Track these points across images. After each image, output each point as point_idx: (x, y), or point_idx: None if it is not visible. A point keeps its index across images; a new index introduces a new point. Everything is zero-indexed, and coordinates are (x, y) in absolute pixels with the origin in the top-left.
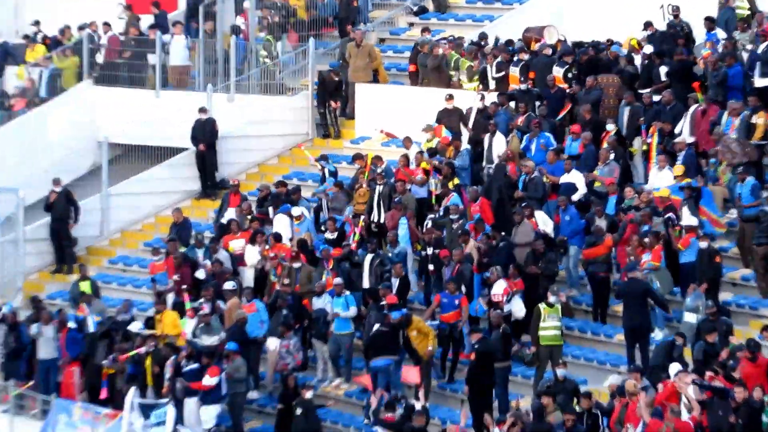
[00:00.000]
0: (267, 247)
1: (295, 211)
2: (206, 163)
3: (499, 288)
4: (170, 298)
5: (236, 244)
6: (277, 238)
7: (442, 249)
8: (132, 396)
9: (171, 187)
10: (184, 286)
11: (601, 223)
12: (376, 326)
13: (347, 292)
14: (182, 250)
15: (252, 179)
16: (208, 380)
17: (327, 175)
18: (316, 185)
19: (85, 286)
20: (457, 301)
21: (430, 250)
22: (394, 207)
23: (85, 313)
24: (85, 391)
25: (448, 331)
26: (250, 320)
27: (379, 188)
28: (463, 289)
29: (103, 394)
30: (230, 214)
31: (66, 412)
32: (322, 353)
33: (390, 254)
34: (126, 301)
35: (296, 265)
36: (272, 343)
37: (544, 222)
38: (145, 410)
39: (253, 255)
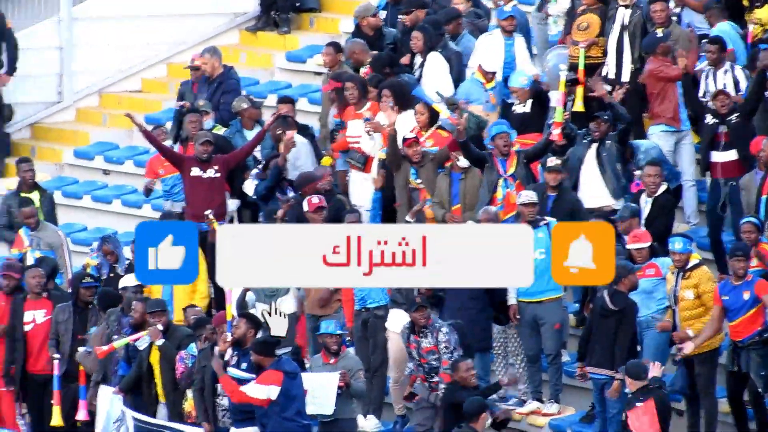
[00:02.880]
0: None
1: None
2: None
3: None
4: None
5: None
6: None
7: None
8: (111, 400)
9: (199, 6)
10: (208, 212)
11: None
12: (594, 303)
13: (546, 220)
14: (221, 130)
15: None
16: (254, 390)
17: None
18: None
19: (33, 200)
20: None
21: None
22: (655, 52)
23: (24, 248)
24: (27, 414)
25: None
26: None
27: (621, 14)
28: None
29: (82, 414)
30: None
31: None
32: (508, 344)
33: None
34: (107, 236)
35: (463, 163)
36: (395, 321)
37: None
38: None
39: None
